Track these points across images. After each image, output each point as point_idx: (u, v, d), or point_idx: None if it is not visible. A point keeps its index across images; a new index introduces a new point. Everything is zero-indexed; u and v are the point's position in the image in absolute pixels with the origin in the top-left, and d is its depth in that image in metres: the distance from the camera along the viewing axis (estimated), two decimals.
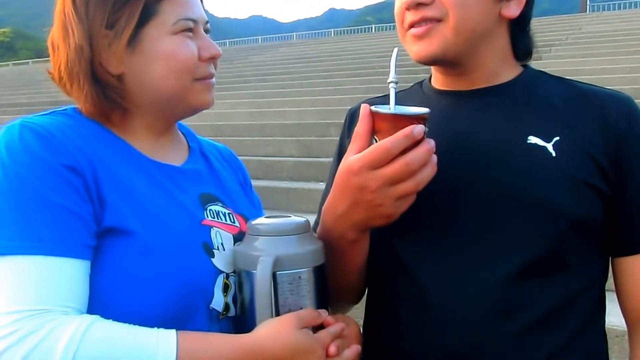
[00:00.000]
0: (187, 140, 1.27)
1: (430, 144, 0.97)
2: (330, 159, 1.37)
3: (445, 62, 1.14)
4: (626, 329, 1.20)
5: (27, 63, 41.02)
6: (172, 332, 0.93)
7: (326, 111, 9.24)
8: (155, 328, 0.94)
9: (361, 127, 1.01)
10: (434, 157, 0.99)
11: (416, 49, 1.11)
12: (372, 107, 1.01)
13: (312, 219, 1.34)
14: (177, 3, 1.09)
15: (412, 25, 1.11)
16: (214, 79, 1.16)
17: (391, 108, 1.01)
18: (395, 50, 1.05)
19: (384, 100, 1.05)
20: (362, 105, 1.04)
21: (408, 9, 1.10)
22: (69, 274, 0.93)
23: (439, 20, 1.08)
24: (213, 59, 1.14)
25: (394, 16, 1.18)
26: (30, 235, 0.92)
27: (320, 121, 8.47)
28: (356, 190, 0.99)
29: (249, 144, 7.67)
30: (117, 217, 0.99)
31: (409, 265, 1.13)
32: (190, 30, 1.10)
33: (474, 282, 1.06)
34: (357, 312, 1.31)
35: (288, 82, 13.19)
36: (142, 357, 0.89)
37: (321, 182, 5.65)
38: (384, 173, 0.95)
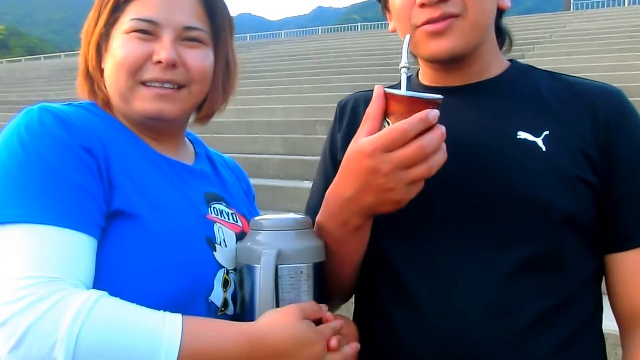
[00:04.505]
0: (194, 147, 1.31)
1: (442, 129, 0.95)
2: (317, 157, 1.37)
3: (461, 57, 1.12)
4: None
5: (20, 60, 40.75)
6: (178, 316, 0.94)
7: (312, 109, 9.24)
8: (161, 311, 0.95)
9: (374, 108, 0.98)
10: (444, 145, 0.96)
11: (436, 46, 1.09)
12: (386, 89, 0.98)
13: None
14: (140, 4, 1.11)
15: (427, 22, 1.08)
16: (166, 89, 1.11)
17: (403, 92, 0.98)
18: (408, 36, 1.05)
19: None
20: (376, 86, 1.00)
21: (425, 5, 1.07)
22: (83, 249, 0.95)
23: (456, 16, 1.07)
24: (160, 63, 1.09)
25: (395, 13, 1.15)
26: (49, 206, 0.94)
27: (307, 119, 8.47)
28: (367, 173, 0.96)
29: (235, 141, 7.65)
30: (125, 201, 1.02)
31: (399, 267, 1.11)
32: (144, 31, 1.10)
33: (467, 283, 1.05)
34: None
35: (275, 80, 13.15)
36: (148, 337, 0.90)
37: (307, 180, 5.66)
38: (398, 156, 0.93)
